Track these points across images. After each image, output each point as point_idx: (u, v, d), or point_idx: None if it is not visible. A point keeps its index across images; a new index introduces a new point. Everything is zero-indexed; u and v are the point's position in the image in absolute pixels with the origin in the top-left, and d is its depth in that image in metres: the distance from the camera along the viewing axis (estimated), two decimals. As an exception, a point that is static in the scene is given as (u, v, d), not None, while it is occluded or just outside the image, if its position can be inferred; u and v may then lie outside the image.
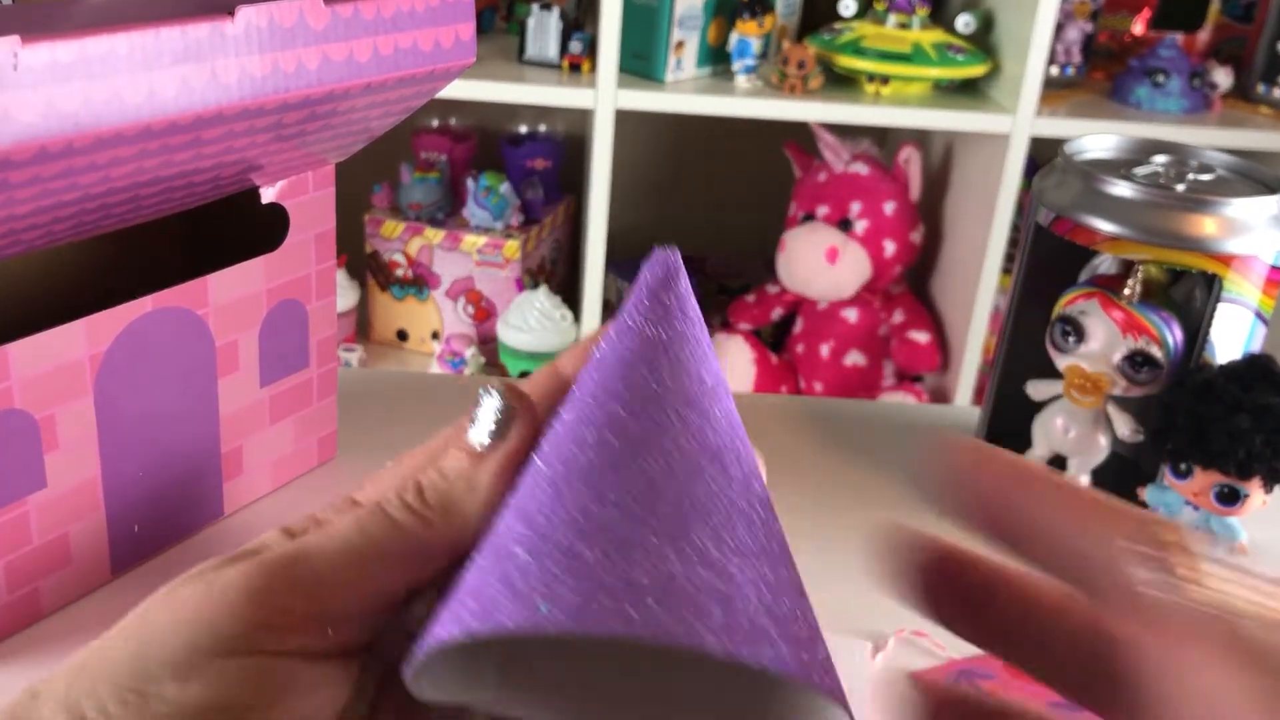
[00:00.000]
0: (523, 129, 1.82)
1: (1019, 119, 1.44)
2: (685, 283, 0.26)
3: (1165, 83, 1.53)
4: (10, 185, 0.38)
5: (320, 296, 0.59)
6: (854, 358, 1.65)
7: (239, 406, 0.56)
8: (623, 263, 1.69)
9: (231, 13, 0.42)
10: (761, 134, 1.74)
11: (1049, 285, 0.62)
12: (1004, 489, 0.23)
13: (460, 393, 0.74)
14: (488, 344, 1.66)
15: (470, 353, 1.63)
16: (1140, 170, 0.59)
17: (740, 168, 1.89)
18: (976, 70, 1.50)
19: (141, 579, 0.53)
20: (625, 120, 1.55)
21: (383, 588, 0.26)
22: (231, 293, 0.53)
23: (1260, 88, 1.60)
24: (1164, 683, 0.20)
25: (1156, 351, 0.57)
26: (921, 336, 1.62)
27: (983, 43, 1.57)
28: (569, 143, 1.80)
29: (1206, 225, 0.55)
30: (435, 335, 1.70)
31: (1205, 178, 0.59)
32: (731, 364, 1.63)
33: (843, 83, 1.54)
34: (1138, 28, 1.76)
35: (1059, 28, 1.58)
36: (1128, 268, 0.59)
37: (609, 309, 1.64)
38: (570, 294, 1.75)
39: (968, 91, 1.56)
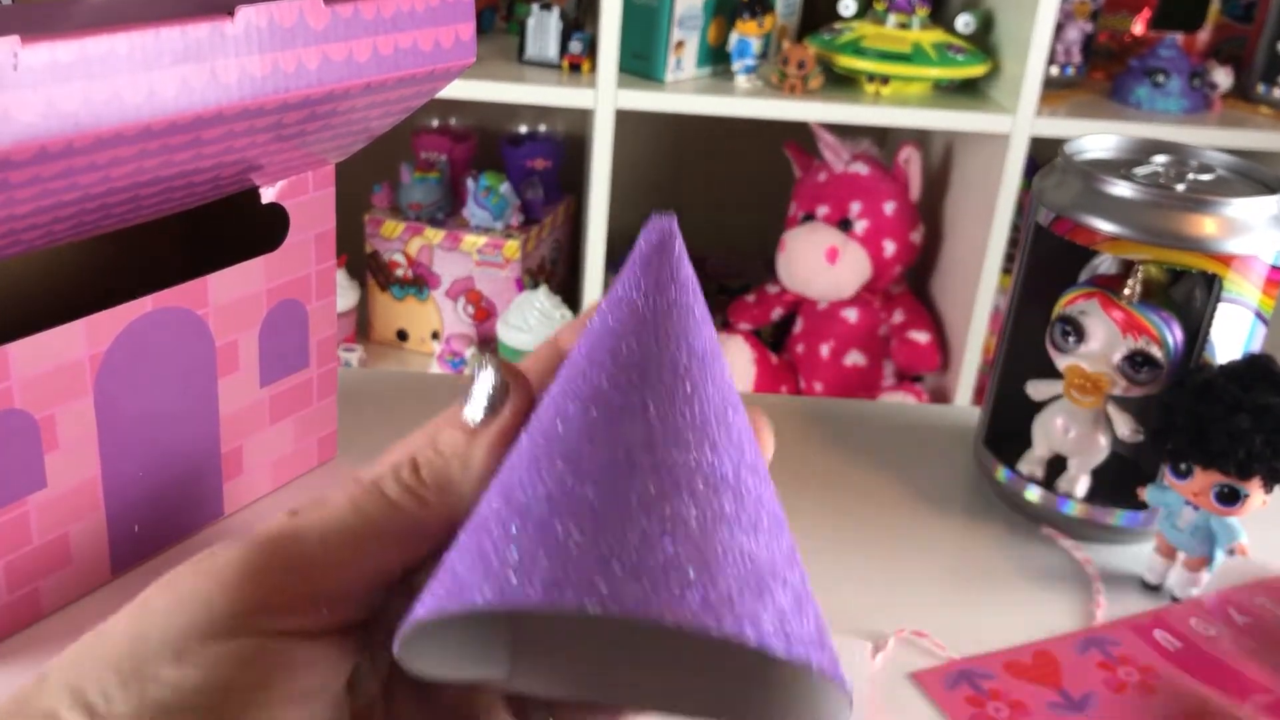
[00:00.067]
0: (523, 129, 1.82)
1: (1019, 119, 1.44)
2: (680, 250, 0.26)
3: (1165, 83, 1.53)
4: (10, 185, 0.38)
5: (320, 296, 0.59)
6: (854, 358, 1.65)
7: (239, 406, 0.56)
8: (623, 262, 1.69)
9: (231, 13, 0.42)
10: (761, 134, 1.74)
11: (1049, 285, 0.62)
12: None
13: (460, 393, 0.74)
14: (488, 344, 1.66)
15: (470, 353, 1.63)
16: (1140, 170, 0.59)
17: (740, 168, 1.89)
18: (976, 70, 1.50)
19: (141, 579, 0.53)
20: (625, 120, 1.55)
21: (379, 566, 0.26)
22: (231, 293, 0.53)
23: (1260, 88, 1.60)
24: None
25: (1156, 351, 0.57)
26: (921, 336, 1.62)
27: (983, 43, 1.57)
28: (569, 143, 1.80)
29: (1206, 225, 0.55)
30: (435, 335, 1.70)
31: (1205, 178, 0.59)
32: (731, 364, 1.63)
33: (843, 83, 1.54)
34: (1138, 28, 1.76)
35: (1059, 28, 1.58)
36: (1128, 268, 0.59)
37: (609, 309, 1.64)
38: (570, 294, 1.75)
39: (968, 91, 1.56)
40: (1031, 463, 0.63)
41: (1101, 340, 0.58)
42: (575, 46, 1.50)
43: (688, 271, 0.26)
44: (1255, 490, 0.53)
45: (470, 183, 1.63)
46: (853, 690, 0.24)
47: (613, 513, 0.22)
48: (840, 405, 0.75)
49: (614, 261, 1.60)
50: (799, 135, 1.69)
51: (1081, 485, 0.62)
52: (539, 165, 1.71)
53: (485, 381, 0.27)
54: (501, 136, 1.77)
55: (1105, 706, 0.50)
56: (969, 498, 0.66)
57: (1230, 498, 0.54)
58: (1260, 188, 0.59)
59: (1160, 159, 0.61)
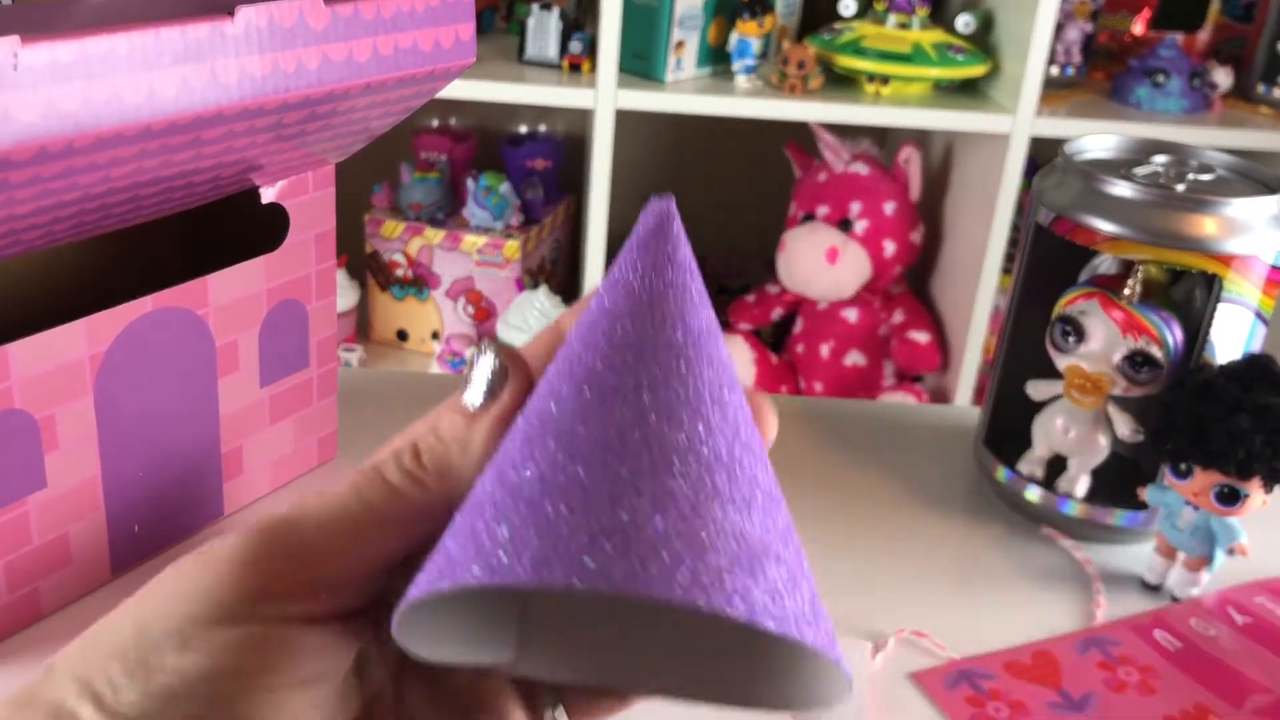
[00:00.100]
0: (523, 129, 1.82)
1: (1019, 119, 1.44)
2: (678, 231, 0.26)
3: (1165, 83, 1.53)
4: (10, 185, 0.38)
5: (320, 296, 0.59)
6: (854, 358, 1.65)
7: (239, 406, 0.56)
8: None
9: (231, 13, 0.42)
10: (761, 134, 1.74)
11: (1049, 285, 0.62)
12: None
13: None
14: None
15: (470, 352, 1.63)
16: (1140, 170, 0.59)
17: (740, 168, 1.89)
18: (976, 70, 1.50)
19: (141, 579, 0.52)
20: (625, 120, 1.55)
21: (380, 551, 0.26)
22: (231, 293, 0.53)
23: (1260, 88, 1.60)
24: None
25: (1156, 351, 0.57)
26: (921, 336, 1.62)
27: (983, 43, 1.57)
28: (569, 143, 1.80)
29: (1206, 225, 0.55)
30: (435, 335, 1.70)
31: (1205, 178, 0.59)
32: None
33: (843, 83, 1.54)
34: (1138, 28, 1.76)
35: (1059, 28, 1.58)
36: (1128, 268, 0.59)
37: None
38: (570, 294, 1.75)
39: (968, 91, 1.56)
40: (1031, 463, 0.63)
41: (1101, 340, 0.58)
42: (575, 46, 1.50)
43: (685, 253, 0.26)
44: (1255, 490, 0.53)
45: (470, 183, 1.63)
46: (850, 670, 0.24)
47: (602, 491, 0.22)
48: (840, 405, 0.75)
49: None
50: (799, 135, 1.69)
51: (1081, 485, 0.62)
52: (539, 165, 1.71)
53: (485, 366, 0.27)
54: (501, 136, 1.77)
55: (1105, 706, 0.50)
56: (969, 498, 0.66)
57: (1230, 498, 0.54)
58: (1260, 188, 0.59)
59: (1160, 159, 0.61)
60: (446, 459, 0.26)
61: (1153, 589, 0.58)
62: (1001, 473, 0.64)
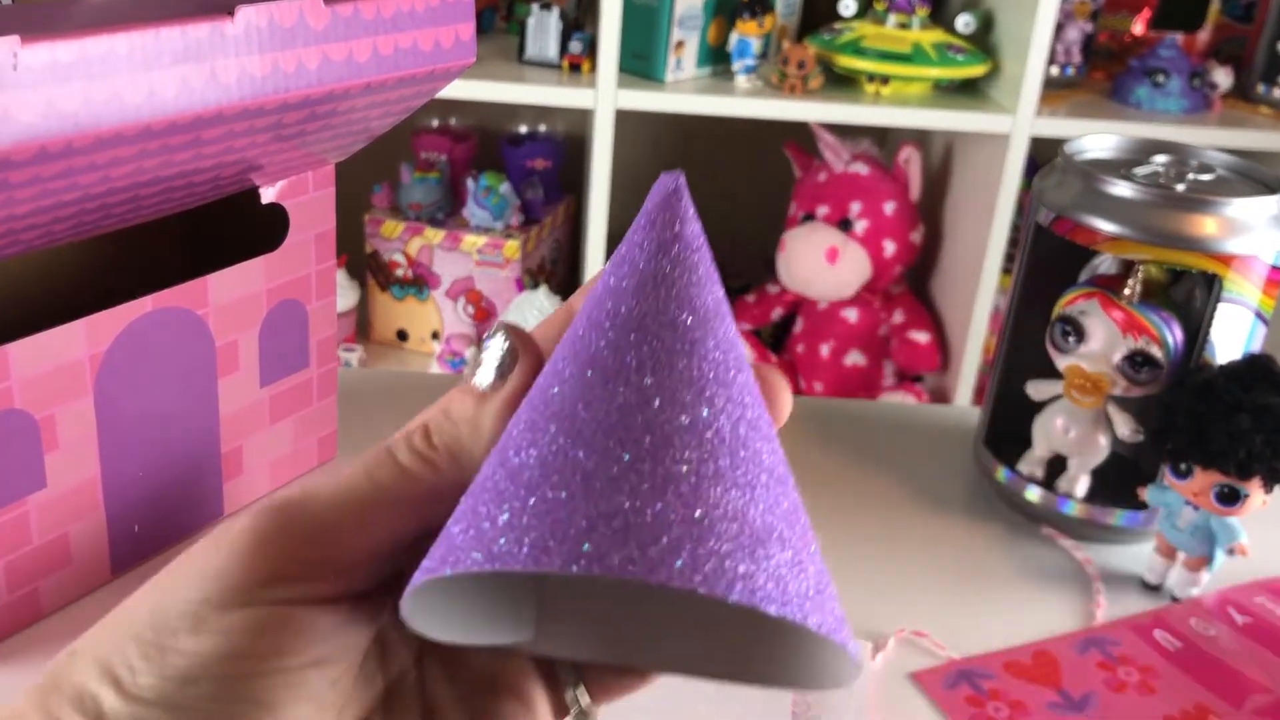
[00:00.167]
0: (523, 129, 1.82)
1: (1019, 119, 1.44)
2: (687, 208, 0.25)
3: (1165, 83, 1.53)
4: (10, 185, 0.38)
5: (320, 296, 0.59)
6: (854, 358, 1.65)
7: (239, 406, 0.56)
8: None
9: (231, 13, 0.42)
10: (761, 134, 1.74)
11: (1049, 285, 0.62)
12: None
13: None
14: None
15: (470, 353, 1.63)
16: (1140, 170, 0.59)
17: (740, 168, 1.89)
18: (976, 70, 1.50)
19: (141, 579, 0.52)
20: (625, 120, 1.55)
21: (390, 532, 0.26)
22: (231, 293, 0.53)
23: (1260, 88, 1.60)
24: None
25: (1156, 351, 0.57)
26: (921, 336, 1.62)
27: (983, 43, 1.57)
28: (569, 143, 1.80)
29: (1206, 225, 0.55)
30: (435, 335, 1.70)
31: (1205, 178, 0.59)
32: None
33: (843, 83, 1.54)
34: (1138, 28, 1.76)
35: (1059, 28, 1.58)
36: (1128, 268, 0.59)
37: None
38: (570, 294, 1.74)
39: (968, 91, 1.56)
40: (1032, 463, 0.63)
41: (1101, 340, 0.58)
42: (575, 46, 1.50)
43: (693, 229, 0.25)
44: (1255, 490, 0.53)
45: (470, 183, 1.63)
46: (859, 651, 0.24)
47: (602, 474, 0.22)
48: (840, 405, 0.75)
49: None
50: (799, 135, 1.69)
51: (1082, 485, 0.62)
52: (539, 165, 1.71)
53: (495, 348, 0.27)
54: (501, 136, 1.77)
55: (1105, 706, 0.50)
56: (969, 498, 0.66)
57: (1230, 498, 0.54)
58: (1260, 188, 0.59)
59: (1160, 159, 0.61)
60: (457, 440, 0.26)
61: (1153, 589, 0.58)
62: (1001, 473, 0.64)
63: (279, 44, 0.44)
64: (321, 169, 0.56)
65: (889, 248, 1.59)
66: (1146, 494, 0.58)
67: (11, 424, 0.46)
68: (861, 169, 1.59)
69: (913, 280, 1.75)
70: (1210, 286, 0.56)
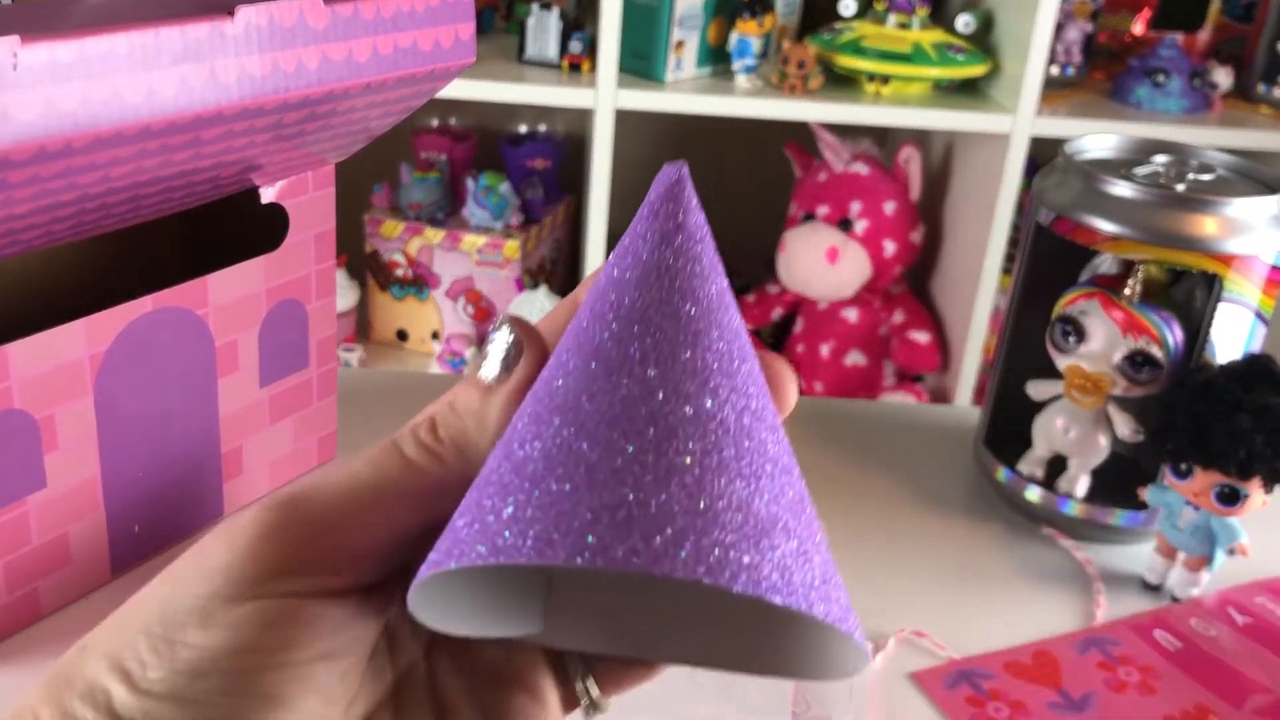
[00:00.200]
0: (523, 129, 1.82)
1: (1019, 119, 1.44)
2: (690, 198, 0.25)
3: (1165, 83, 1.53)
4: (9, 185, 0.38)
5: (320, 296, 0.59)
6: (854, 358, 1.65)
7: (239, 406, 0.56)
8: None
9: (231, 12, 0.42)
10: (761, 134, 1.74)
11: (1049, 285, 0.62)
12: None
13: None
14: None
15: (470, 353, 1.63)
16: (1140, 170, 0.59)
17: (740, 168, 1.89)
18: (976, 70, 1.50)
19: (141, 579, 0.53)
20: (625, 120, 1.55)
21: (397, 525, 0.26)
22: (231, 293, 0.53)
23: (1260, 87, 1.60)
24: None
25: (1157, 351, 0.57)
26: (921, 336, 1.62)
27: (983, 43, 1.57)
28: (569, 143, 1.80)
29: (1207, 225, 0.55)
30: (435, 335, 1.70)
31: (1205, 178, 0.59)
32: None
33: (843, 82, 1.54)
34: (1138, 27, 1.76)
35: (1059, 27, 1.58)
36: (1128, 268, 0.59)
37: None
38: (570, 294, 1.74)
39: (968, 91, 1.56)
40: (1032, 463, 0.63)
41: (1102, 340, 0.58)
42: (575, 46, 1.50)
43: (697, 219, 0.25)
44: (1256, 490, 0.53)
45: (470, 182, 1.63)
46: (865, 640, 0.24)
47: (606, 466, 0.22)
48: (840, 405, 0.75)
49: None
50: (799, 135, 1.69)
51: (1082, 485, 0.62)
52: (539, 165, 1.71)
53: (500, 340, 0.27)
54: (501, 136, 1.77)
55: (1105, 706, 0.50)
56: (969, 498, 0.66)
57: (1231, 498, 0.54)
58: (1260, 188, 0.59)
59: (1160, 159, 0.61)
60: (463, 433, 0.26)
61: (1153, 589, 0.58)
62: (1002, 473, 0.64)
63: (279, 44, 0.44)
64: (321, 169, 0.56)
65: (889, 247, 1.59)
66: (1147, 494, 0.58)
67: (11, 424, 0.45)
68: (862, 169, 1.59)
69: (913, 280, 1.74)
70: (1210, 286, 0.56)
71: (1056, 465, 0.63)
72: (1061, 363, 0.60)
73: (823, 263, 1.58)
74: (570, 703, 0.29)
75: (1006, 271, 1.53)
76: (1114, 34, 1.76)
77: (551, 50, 1.51)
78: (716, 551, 0.21)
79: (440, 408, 0.27)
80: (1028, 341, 0.63)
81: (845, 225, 1.58)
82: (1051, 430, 0.62)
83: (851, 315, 1.63)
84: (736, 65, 1.50)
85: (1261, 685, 0.52)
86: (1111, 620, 0.56)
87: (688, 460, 0.22)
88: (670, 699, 0.48)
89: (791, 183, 1.69)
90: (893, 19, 1.53)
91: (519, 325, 0.27)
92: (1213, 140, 1.47)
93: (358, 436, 0.65)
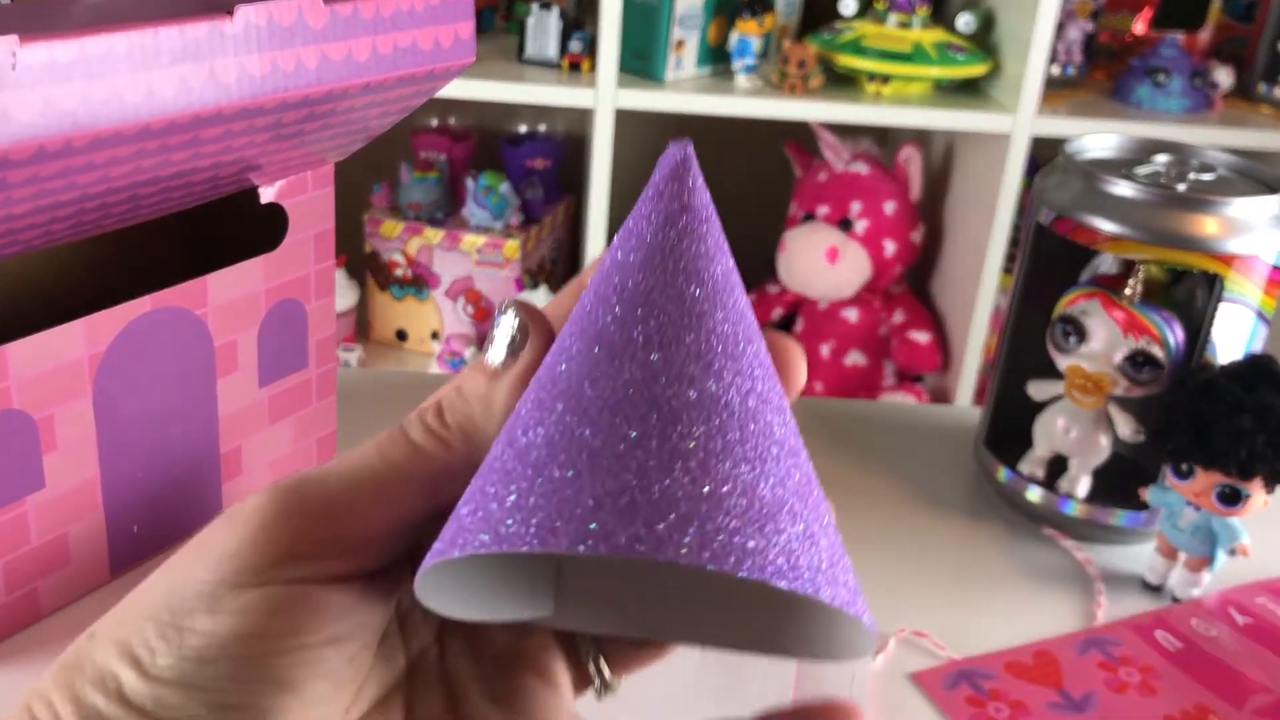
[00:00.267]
0: (522, 129, 1.82)
1: (1020, 119, 1.44)
2: (695, 178, 0.25)
3: (1166, 82, 1.53)
4: (8, 185, 0.38)
5: (319, 296, 0.59)
6: (854, 358, 1.65)
7: (238, 406, 0.56)
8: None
9: (230, 12, 0.42)
10: (761, 134, 1.74)
11: (1050, 285, 0.62)
12: None
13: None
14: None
15: (470, 353, 1.63)
16: (1141, 170, 0.59)
17: (740, 168, 1.89)
18: (977, 70, 1.50)
19: (141, 580, 0.53)
20: (625, 120, 1.55)
21: (403, 510, 0.26)
22: (230, 293, 0.53)
23: (1261, 87, 1.60)
24: None
25: (1158, 351, 0.57)
26: (922, 336, 1.62)
27: (983, 42, 1.57)
28: (569, 142, 1.80)
29: (1208, 225, 0.55)
30: (435, 335, 1.70)
31: (1206, 177, 0.59)
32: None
33: (843, 82, 1.54)
34: (1139, 27, 1.75)
35: (1060, 27, 1.58)
36: (1129, 267, 0.59)
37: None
38: (570, 294, 1.74)
39: (968, 91, 1.56)
40: (1032, 463, 0.63)
41: (1103, 340, 0.58)
42: (575, 46, 1.50)
43: (702, 199, 0.25)
44: (1257, 490, 0.53)
45: (470, 182, 1.63)
46: (874, 622, 0.24)
47: (608, 452, 0.22)
48: (840, 405, 0.75)
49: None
50: (799, 135, 1.69)
51: (1082, 485, 0.62)
52: (539, 165, 1.71)
53: (506, 325, 0.26)
54: (501, 136, 1.77)
55: (1106, 707, 0.50)
56: (969, 498, 0.66)
57: (1232, 498, 0.53)
58: (1261, 187, 0.59)
59: (1161, 158, 0.61)
60: (470, 418, 0.26)
61: (1154, 589, 0.58)
62: (1002, 473, 0.64)
63: (278, 43, 0.44)
64: (321, 169, 0.56)
65: (889, 247, 1.59)
66: (1148, 494, 0.58)
67: (10, 424, 0.45)
68: (862, 168, 1.59)
69: (913, 280, 1.74)
70: (1211, 286, 0.56)
71: (1057, 465, 0.63)
72: (1062, 363, 0.60)
73: (823, 262, 1.58)
74: (582, 684, 0.29)
75: (1007, 271, 1.53)
76: (1115, 33, 1.76)
77: (551, 50, 1.51)
78: (721, 537, 0.21)
79: (447, 392, 0.27)
80: (1028, 341, 0.63)
81: (845, 225, 1.58)
82: (1052, 430, 0.62)
83: (852, 315, 1.63)
84: (737, 65, 1.50)
85: (1262, 686, 0.52)
86: (1112, 620, 0.56)
87: (691, 445, 0.22)
88: (671, 697, 0.48)
89: (791, 182, 1.69)
90: (893, 18, 1.53)
91: (524, 309, 0.26)
92: (1214, 140, 1.47)
93: (357, 436, 0.65)
